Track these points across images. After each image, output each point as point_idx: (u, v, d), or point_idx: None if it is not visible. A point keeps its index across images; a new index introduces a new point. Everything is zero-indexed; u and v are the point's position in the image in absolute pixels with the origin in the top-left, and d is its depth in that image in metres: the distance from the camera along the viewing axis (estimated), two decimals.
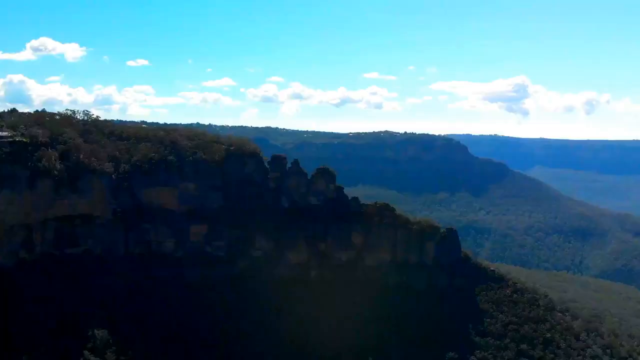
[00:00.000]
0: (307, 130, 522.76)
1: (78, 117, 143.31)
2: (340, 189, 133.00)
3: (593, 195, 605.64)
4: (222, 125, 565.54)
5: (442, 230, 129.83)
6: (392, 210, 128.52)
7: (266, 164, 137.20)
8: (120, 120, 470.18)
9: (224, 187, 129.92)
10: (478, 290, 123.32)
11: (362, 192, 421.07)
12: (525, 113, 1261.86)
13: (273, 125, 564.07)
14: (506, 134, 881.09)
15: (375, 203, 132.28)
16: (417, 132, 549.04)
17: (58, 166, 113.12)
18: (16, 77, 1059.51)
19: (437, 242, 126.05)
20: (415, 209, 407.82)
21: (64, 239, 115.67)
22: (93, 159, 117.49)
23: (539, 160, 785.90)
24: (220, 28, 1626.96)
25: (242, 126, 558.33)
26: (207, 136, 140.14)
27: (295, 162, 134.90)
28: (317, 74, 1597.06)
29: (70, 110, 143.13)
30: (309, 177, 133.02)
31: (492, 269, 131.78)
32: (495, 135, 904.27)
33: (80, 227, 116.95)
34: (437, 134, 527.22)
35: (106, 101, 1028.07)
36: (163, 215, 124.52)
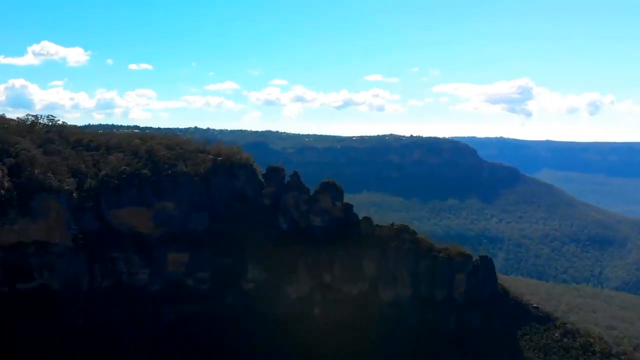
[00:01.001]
0: (309, 134, 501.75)
1: (42, 122, 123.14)
2: (349, 207, 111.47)
3: (601, 199, 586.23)
4: (221, 129, 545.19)
5: (474, 259, 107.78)
6: (413, 234, 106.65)
7: (261, 176, 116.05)
8: (113, 125, 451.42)
9: (210, 205, 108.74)
10: (520, 334, 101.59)
11: (366, 199, 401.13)
12: (529, 114, 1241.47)
13: (274, 129, 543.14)
14: (511, 136, 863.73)
15: (392, 225, 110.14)
16: (424, 136, 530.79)
17: (6, 184, 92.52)
18: (17, 82, 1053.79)
19: (469, 274, 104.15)
20: (422, 216, 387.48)
21: (14, 272, 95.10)
22: (49, 174, 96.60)
23: (545, 163, 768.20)
24: (222, 31, 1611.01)
25: (241, 130, 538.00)
26: (191, 144, 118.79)
27: (295, 175, 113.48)
28: (320, 76, 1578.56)
29: (32, 116, 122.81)
30: (311, 193, 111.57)
31: (535, 305, 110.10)
32: (501, 137, 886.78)
33: (35, 257, 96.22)
34: (440, 136, 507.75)
35: (108, 105, 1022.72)
36: (135, 240, 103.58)
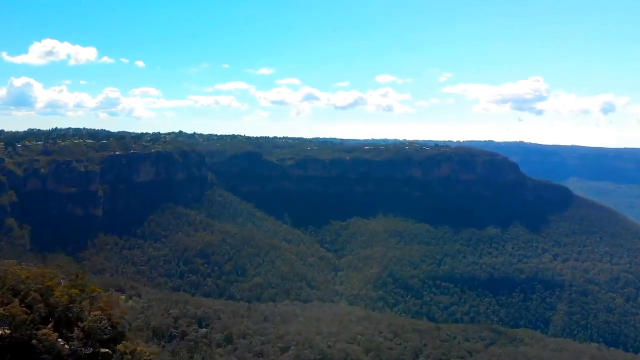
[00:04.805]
0: (313, 139, 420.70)
1: None
2: None
3: None
4: (210, 134, 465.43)
5: None
6: None
7: None
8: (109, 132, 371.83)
9: None
10: None
11: (382, 226, 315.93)
12: (550, 117, 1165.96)
13: (280, 130, 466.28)
14: (531, 140, 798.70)
15: None
16: (453, 143, 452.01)
17: None
18: (21, 80, 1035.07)
19: None
20: (457, 251, 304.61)
21: None
22: None
23: (573, 171, 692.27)
24: (233, 30, 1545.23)
25: (233, 135, 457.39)
26: None
27: None
28: (330, 76, 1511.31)
29: None
30: None
31: None
32: (521, 142, 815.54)
33: None
34: (455, 140, 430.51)
35: (112, 104, 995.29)
36: None
